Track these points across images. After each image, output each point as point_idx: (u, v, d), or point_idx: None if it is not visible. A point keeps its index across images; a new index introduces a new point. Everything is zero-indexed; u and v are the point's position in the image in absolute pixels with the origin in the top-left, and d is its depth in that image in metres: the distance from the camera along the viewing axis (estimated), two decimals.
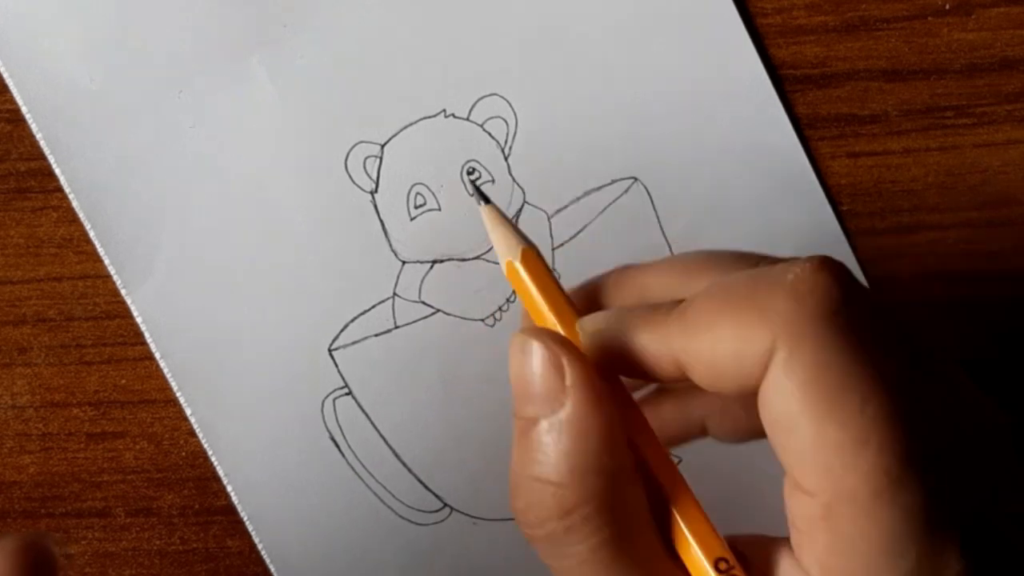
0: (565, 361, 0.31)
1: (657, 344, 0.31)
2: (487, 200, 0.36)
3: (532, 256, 0.35)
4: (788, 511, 0.31)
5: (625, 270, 0.36)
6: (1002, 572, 0.31)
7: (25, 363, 0.45)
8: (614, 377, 0.33)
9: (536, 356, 0.32)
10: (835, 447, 0.29)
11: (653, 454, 0.32)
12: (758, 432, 0.31)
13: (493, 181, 0.43)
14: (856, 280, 0.30)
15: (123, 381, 0.45)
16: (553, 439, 0.31)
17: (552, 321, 0.34)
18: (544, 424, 0.32)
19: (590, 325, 0.33)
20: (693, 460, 0.44)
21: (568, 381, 0.31)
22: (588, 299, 0.36)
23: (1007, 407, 0.45)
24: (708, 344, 0.30)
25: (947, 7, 0.44)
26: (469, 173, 0.43)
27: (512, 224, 0.36)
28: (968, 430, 0.32)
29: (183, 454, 0.45)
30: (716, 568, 0.31)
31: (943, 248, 0.44)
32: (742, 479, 0.45)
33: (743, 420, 0.32)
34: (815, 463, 0.29)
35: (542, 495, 0.32)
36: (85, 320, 0.44)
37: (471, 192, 0.40)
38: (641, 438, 0.32)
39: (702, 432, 0.39)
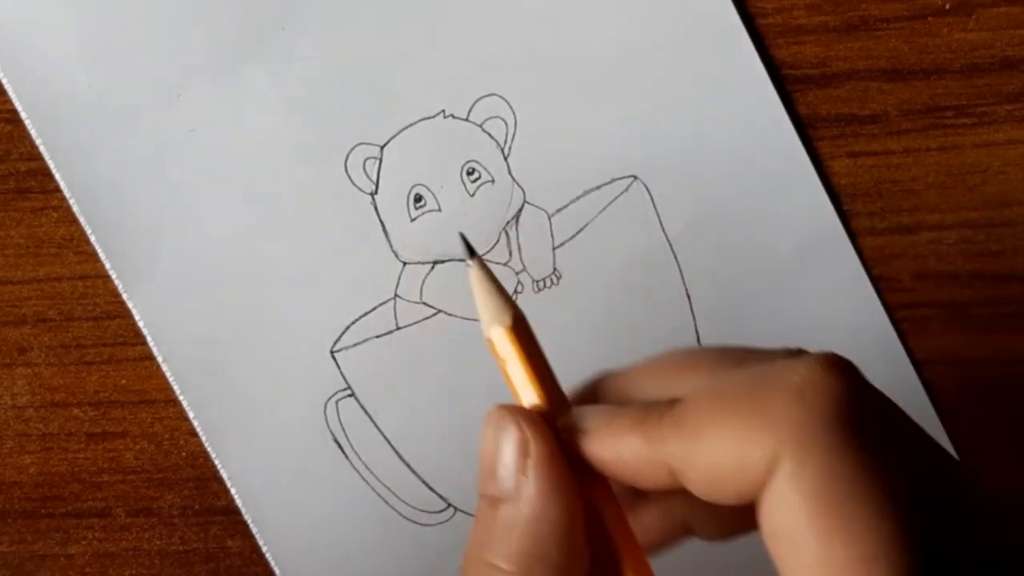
0: (532, 446, 0.31)
1: (650, 450, 0.30)
2: (473, 253, 0.33)
3: (522, 326, 0.33)
4: None
5: (614, 374, 0.34)
6: None
7: (25, 363, 0.45)
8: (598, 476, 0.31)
9: (506, 435, 0.31)
10: (842, 565, 0.27)
11: (630, 560, 0.31)
12: (747, 530, 0.30)
13: (493, 181, 0.43)
14: (864, 378, 0.29)
15: (123, 381, 0.45)
16: (506, 522, 0.31)
17: (536, 402, 0.32)
18: (502, 506, 0.31)
19: (583, 422, 0.31)
20: None
21: (531, 466, 0.30)
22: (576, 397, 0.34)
23: (1008, 407, 0.45)
24: (707, 452, 0.29)
25: (947, 7, 0.44)
26: (469, 174, 0.43)
27: (501, 287, 0.33)
28: (975, 536, 0.30)
29: (183, 454, 0.45)
30: None
31: (943, 248, 0.44)
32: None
33: (732, 521, 0.31)
34: None
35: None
36: (85, 320, 0.44)
37: (463, 252, 0.33)
38: (619, 539, 0.31)
39: (687, 533, 0.36)
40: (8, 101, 0.42)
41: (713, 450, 0.28)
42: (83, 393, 0.45)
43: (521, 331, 0.32)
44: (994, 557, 0.29)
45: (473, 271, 0.33)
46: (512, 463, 0.31)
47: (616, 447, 0.30)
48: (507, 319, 0.32)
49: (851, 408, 0.27)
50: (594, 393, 0.33)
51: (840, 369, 0.28)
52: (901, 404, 0.45)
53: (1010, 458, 0.45)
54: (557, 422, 0.31)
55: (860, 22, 0.44)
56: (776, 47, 0.44)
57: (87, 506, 0.46)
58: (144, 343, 0.43)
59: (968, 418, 0.45)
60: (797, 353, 0.30)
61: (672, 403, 0.30)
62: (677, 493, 0.30)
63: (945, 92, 0.44)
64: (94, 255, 0.43)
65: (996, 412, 0.45)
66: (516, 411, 0.31)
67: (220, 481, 0.44)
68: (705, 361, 0.32)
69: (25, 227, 0.44)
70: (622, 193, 0.44)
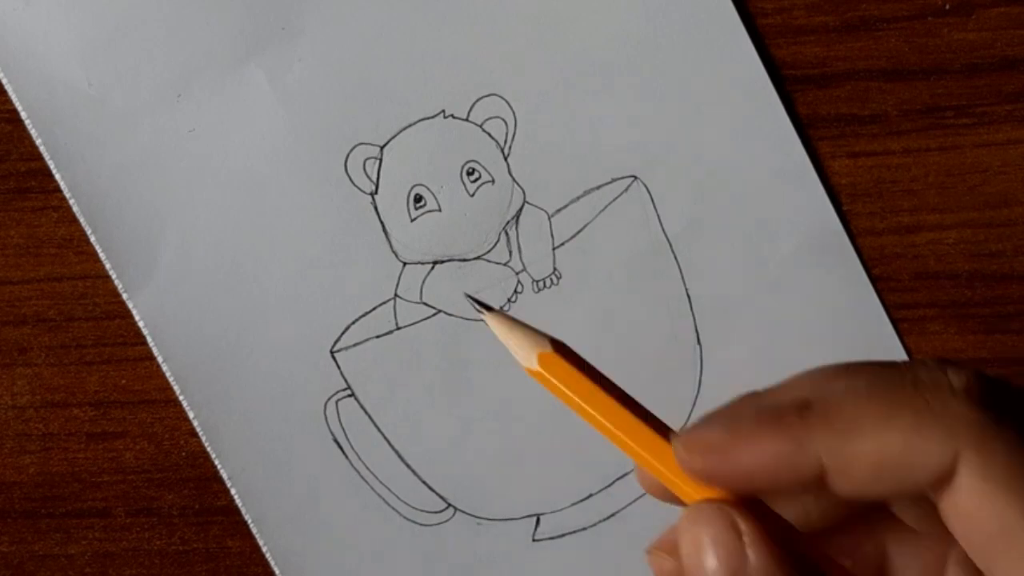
0: (755, 553, 0.29)
1: (792, 448, 0.29)
2: (489, 308, 0.32)
3: (552, 358, 0.31)
4: None
5: (751, 397, 0.32)
6: None
7: (25, 363, 0.45)
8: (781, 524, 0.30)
9: (707, 543, 0.29)
10: None
11: None
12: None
13: (493, 181, 0.43)
14: (1008, 382, 0.30)
15: (123, 381, 0.45)
16: None
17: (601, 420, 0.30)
18: None
19: (696, 441, 0.29)
20: None
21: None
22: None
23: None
24: (871, 448, 0.29)
25: (947, 7, 0.44)
26: (469, 174, 0.43)
27: (525, 325, 0.31)
28: None
29: (183, 454, 0.45)
30: None
31: (943, 248, 0.44)
32: None
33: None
34: None
35: None
36: (85, 320, 0.44)
37: (475, 308, 0.32)
38: None
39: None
40: (8, 101, 0.42)
41: (879, 447, 0.29)
42: (83, 393, 0.45)
43: (566, 354, 0.30)
44: None
45: (491, 320, 0.32)
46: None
47: (751, 455, 0.29)
48: (533, 357, 0.30)
49: (1010, 406, 0.29)
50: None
51: (989, 378, 0.29)
52: None
53: None
54: (670, 440, 0.29)
55: (860, 22, 0.44)
56: (776, 47, 0.44)
57: (87, 506, 0.46)
58: (144, 343, 0.43)
59: None
60: (921, 364, 0.31)
61: (801, 404, 0.29)
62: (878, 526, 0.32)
63: (945, 92, 0.44)
64: (94, 255, 0.43)
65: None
66: (713, 522, 0.29)
67: (220, 481, 0.44)
68: (825, 372, 0.31)
69: (25, 227, 0.44)
70: (622, 193, 0.44)
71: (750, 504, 0.29)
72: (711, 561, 0.29)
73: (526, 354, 0.31)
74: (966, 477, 0.28)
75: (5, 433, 0.45)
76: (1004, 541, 0.29)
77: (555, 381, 0.30)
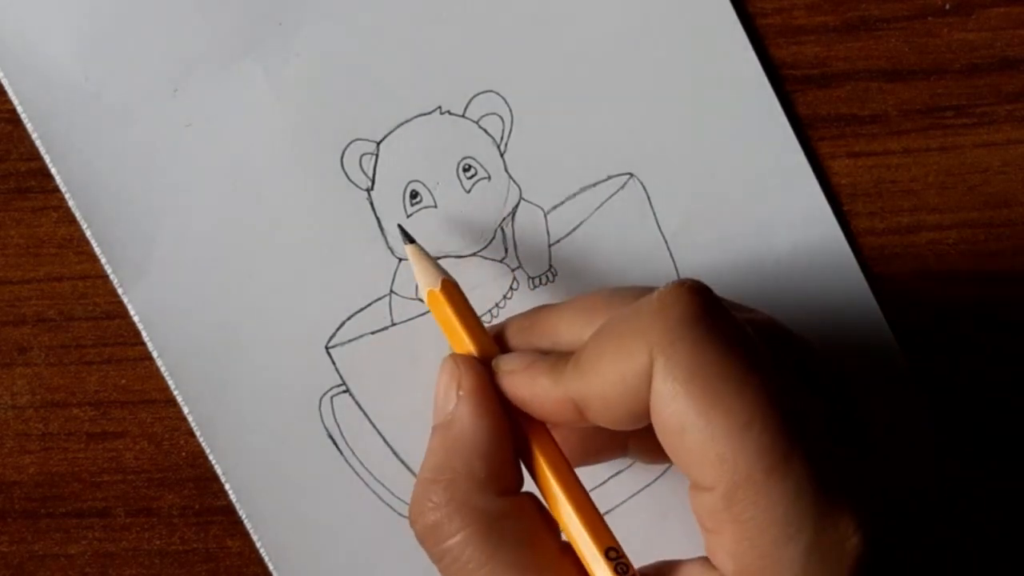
0: (463, 379, 0.36)
1: (557, 391, 0.34)
2: (412, 240, 0.40)
3: (451, 287, 0.39)
4: (696, 517, 0.32)
5: (537, 312, 0.38)
6: (896, 539, 0.32)
7: (25, 363, 0.45)
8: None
9: (443, 371, 0.37)
10: (724, 435, 0.30)
11: (550, 464, 0.36)
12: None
13: (489, 178, 0.43)
14: (713, 292, 0.33)
15: (123, 381, 0.45)
16: (440, 443, 0.36)
17: (467, 342, 0.38)
18: (439, 431, 0.36)
19: (505, 365, 0.37)
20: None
21: (461, 395, 0.36)
22: (501, 339, 0.39)
23: (1007, 408, 0.45)
24: (599, 379, 0.33)
25: (947, 7, 0.44)
26: (465, 170, 0.43)
27: (434, 260, 0.40)
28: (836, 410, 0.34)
29: (183, 454, 0.45)
30: (607, 557, 0.34)
31: (943, 248, 0.44)
32: None
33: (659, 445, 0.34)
34: (709, 456, 0.31)
35: (422, 490, 0.35)
36: (85, 320, 0.44)
37: (402, 238, 0.41)
38: (541, 450, 0.36)
39: (623, 452, 0.41)
40: (8, 101, 0.42)
41: (603, 375, 0.33)
42: (83, 393, 0.45)
43: (451, 293, 0.39)
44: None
45: (409, 248, 0.40)
46: (447, 393, 0.37)
47: (531, 387, 0.35)
48: (437, 283, 0.39)
49: (702, 310, 0.32)
50: (521, 330, 0.38)
51: (690, 284, 0.33)
52: (899, 405, 0.45)
53: (1011, 462, 0.45)
54: (491, 364, 0.37)
55: (860, 22, 0.44)
56: (776, 47, 0.44)
57: (87, 506, 0.46)
58: (144, 343, 0.43)
59: (968, 419, 0.45)
60: None
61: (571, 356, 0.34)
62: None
63: (945, 92, 0.44)
64: (94, 255, 0.43)
65: (996, 413, 0.45)
66: (455, 356, 0.37)
67: (220, 481, 0.44)
68: (610, 302, 0.36)
69: (25, 227, 0.44)
70: (618, 190, 0.44)
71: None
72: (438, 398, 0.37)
73: (425, 282, 0.39)
74: (656, 381, 0.31)
75: (5, 433, 0.45)
76: (682, 437, 0.31)
77: (443, 306, 0.39)
